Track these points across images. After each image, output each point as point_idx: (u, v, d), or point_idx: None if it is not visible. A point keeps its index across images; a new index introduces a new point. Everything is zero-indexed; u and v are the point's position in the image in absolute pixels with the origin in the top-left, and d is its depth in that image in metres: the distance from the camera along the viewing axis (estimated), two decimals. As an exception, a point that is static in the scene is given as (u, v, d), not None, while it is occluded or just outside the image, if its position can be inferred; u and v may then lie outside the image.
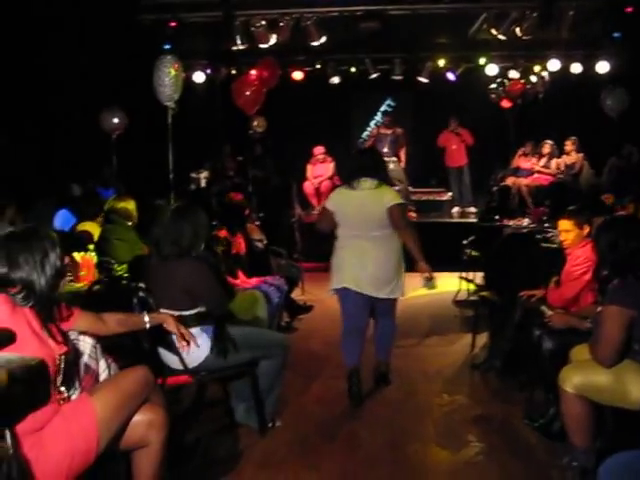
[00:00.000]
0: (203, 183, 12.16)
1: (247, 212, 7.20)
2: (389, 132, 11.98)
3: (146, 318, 3.55)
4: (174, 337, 3.78)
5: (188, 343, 3.80)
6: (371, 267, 4.82)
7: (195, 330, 4.09)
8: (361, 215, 4.85)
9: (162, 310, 4.10)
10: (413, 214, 11.61)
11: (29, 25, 8.34)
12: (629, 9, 9.16)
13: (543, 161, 11.50)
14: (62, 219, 6.98)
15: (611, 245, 3.55)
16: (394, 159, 11.77)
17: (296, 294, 7.69)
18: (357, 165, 5.05)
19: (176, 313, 4.09)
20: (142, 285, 4.21)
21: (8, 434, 2.26)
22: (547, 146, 11.52)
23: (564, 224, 4.82)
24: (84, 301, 4.09)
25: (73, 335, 3.15)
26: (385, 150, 11.70)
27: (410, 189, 12.21)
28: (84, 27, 8.69)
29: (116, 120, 9.34)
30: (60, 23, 8.49)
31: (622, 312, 3.34)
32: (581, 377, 3.49)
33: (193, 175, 12.41)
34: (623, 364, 3.39)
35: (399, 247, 4.94)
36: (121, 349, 3.49)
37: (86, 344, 3.23)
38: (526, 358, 4.79)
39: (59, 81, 8.95)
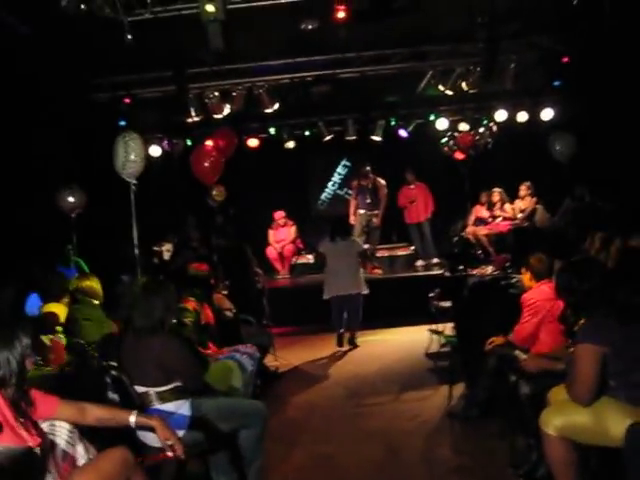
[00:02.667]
0: (166, 256, 12.10)
1: (213, 281, 7.14)
2: (368, 183, 11.88)
3: (132, 418, 3.25)
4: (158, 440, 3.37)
5: (174, 453, 3.32)
6: (347, 280, 8.73)
7: (171, 405, 4.05)
8: (341, 255, 8.74)
9: (137, 387, 4.05)
10: (379, 271, 11.65)
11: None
12: (566, 59, 9.57)
13: (497, 208, 11.77)
14: (30, 303, 6.84)
15: (568, 288, 3.75)
16: (376, 212, 11.83)
17: (268, 360, 7.63)
18: (333, 229, 8.95)
19: (151, 390, 4.05)
20: (113, 364, 4.16)
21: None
22: (495, 194, 11.83)
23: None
24: (55, 384, 4.02)
25: (47, 422, 3.09)
26: (368, 201, 11.78)
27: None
28: (39, 107, 8.72)
29: (72, 199, 9.29)
30: (16, 103, 8.52)
31: (593, 349, 3.40)
32: (562, 418, 3.51)
33: (155, 248, 12.34)
34: (601, 401, 3.43)
35: (359, 268, 8.99)
36: (98, 429, 3.40)
37: (62, 429, 3.16)
38: (503, 405, 4.81)
39: (16, 161, 8.92)
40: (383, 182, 12.01)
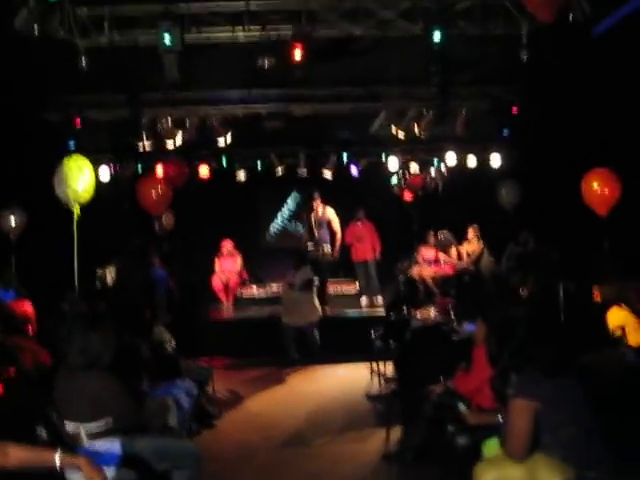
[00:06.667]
0: (109, 280, 11.86)
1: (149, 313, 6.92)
2: (320, 215, 11.96)
3: (57, 458, 3.02)
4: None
5: None
6: None
7: (102, 443, 3.94)
8: None
9: (67, 422, 3.93)
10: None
11: None
12: (515, 109, 9.83)
13: (441, 252, 11.98)
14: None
15: (493, 355, 3.81)
16: (328, 249, 11.82)
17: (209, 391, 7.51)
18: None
19: (82, 427, 3.93)
20: (45, 399, 4.03)
21: None
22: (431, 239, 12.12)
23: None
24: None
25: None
26: (317, 235, 11.78)
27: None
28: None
29: (14, 220, 9.07)
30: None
31: (526, 404, 3.44)
32: (495, 473, 3.53)
33: (98, 271, 12.07)
34: (534, 458, 3.45)
35: None
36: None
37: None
38: (439, 452, 4.81)
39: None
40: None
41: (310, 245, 11.78)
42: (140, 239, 11.92)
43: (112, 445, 3.97)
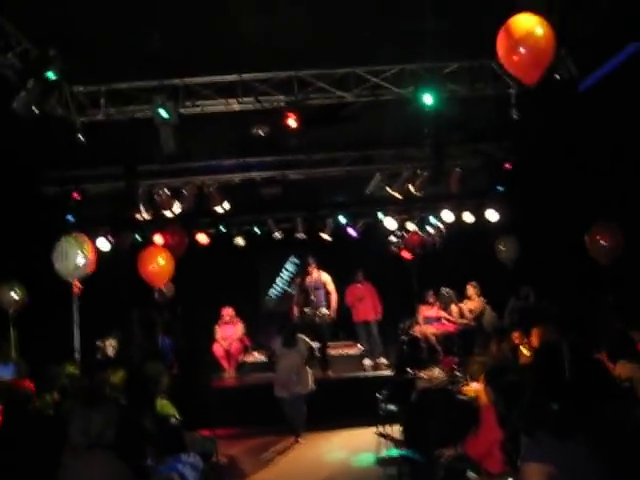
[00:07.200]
0: (110, 351, 11.77)
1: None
2: (316, 278, 11.90)
3: None
4: None
5: None
6: None
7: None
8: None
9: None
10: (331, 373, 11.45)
11: None
12: (508, 165, 9.94)
13: (441, 309, 11.95)
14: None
15: (502, 417, 3.74)
16: (325, 312, 11.74)
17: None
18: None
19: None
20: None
21: None
22: (430, 298, 12.07)
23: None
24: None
25: None
26: (313, 299, 11.69)
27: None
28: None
29: (14, 295, 9.06)
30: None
31: (539, 468, 3.33)
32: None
33: (98, 344, 11.98)
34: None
35: None
36: None
37: None
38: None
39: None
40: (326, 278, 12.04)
41: (307, 309, 11.75)
42: (140, 309, 11.89)
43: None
